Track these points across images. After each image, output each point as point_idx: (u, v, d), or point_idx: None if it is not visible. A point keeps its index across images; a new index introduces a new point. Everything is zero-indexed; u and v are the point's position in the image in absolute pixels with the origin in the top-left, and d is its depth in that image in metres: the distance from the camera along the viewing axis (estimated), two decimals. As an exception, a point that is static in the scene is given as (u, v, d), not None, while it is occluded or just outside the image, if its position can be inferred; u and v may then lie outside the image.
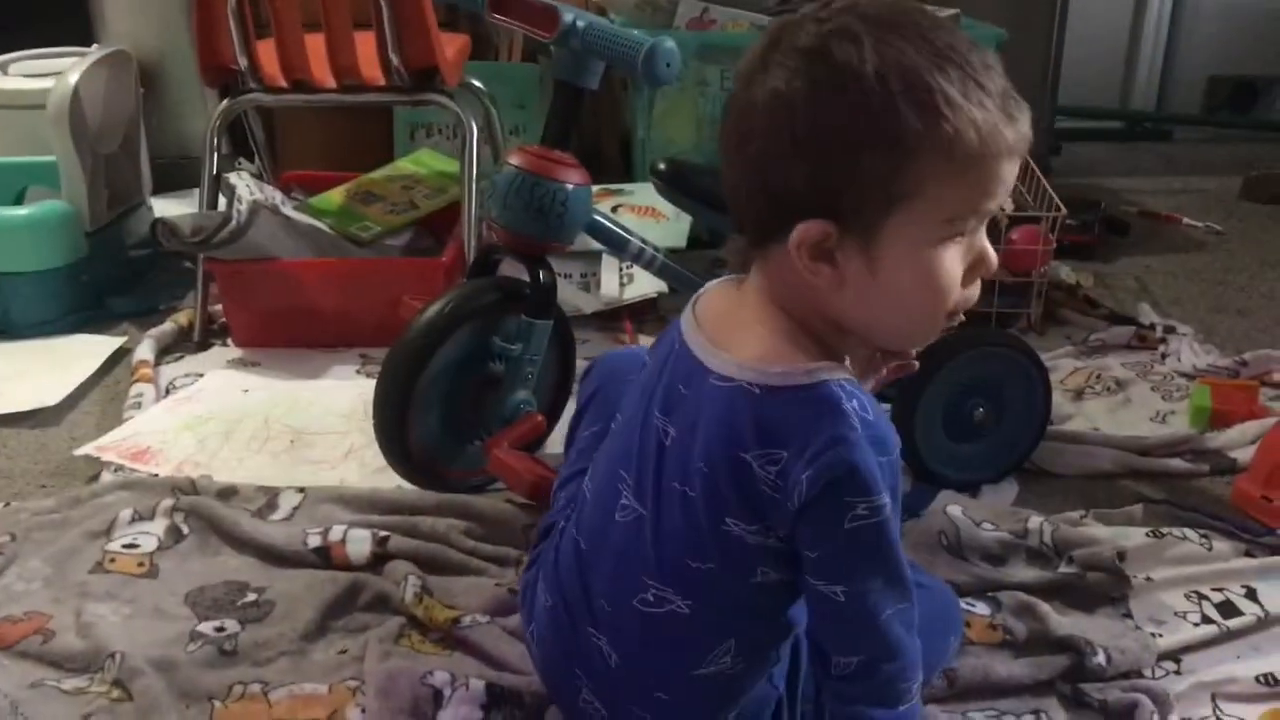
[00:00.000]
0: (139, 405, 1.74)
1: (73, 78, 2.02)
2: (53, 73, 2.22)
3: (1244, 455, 1.60)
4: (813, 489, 0.82)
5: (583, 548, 1.01)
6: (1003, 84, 0.81)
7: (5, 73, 2.53)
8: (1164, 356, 1.95)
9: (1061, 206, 1.99)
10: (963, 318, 0.90)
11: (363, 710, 1.10)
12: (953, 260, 0.83)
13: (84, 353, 1.94)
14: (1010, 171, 0.82)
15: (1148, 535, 1.38)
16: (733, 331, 0.90)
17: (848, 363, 0.91)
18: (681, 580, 0.92)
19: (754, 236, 0.87)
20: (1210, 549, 1.37)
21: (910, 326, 0.88)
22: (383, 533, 1.35)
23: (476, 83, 2.27)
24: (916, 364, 1.07)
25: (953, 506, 1.40)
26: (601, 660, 0.98)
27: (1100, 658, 1.16)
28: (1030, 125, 0.82)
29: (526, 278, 1.44)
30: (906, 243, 0.81)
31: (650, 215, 2.21)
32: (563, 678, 1.04)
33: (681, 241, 2.13)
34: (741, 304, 0.91)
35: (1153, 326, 2.03)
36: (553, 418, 1.54)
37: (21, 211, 2.06)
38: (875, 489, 0.83)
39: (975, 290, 0.87)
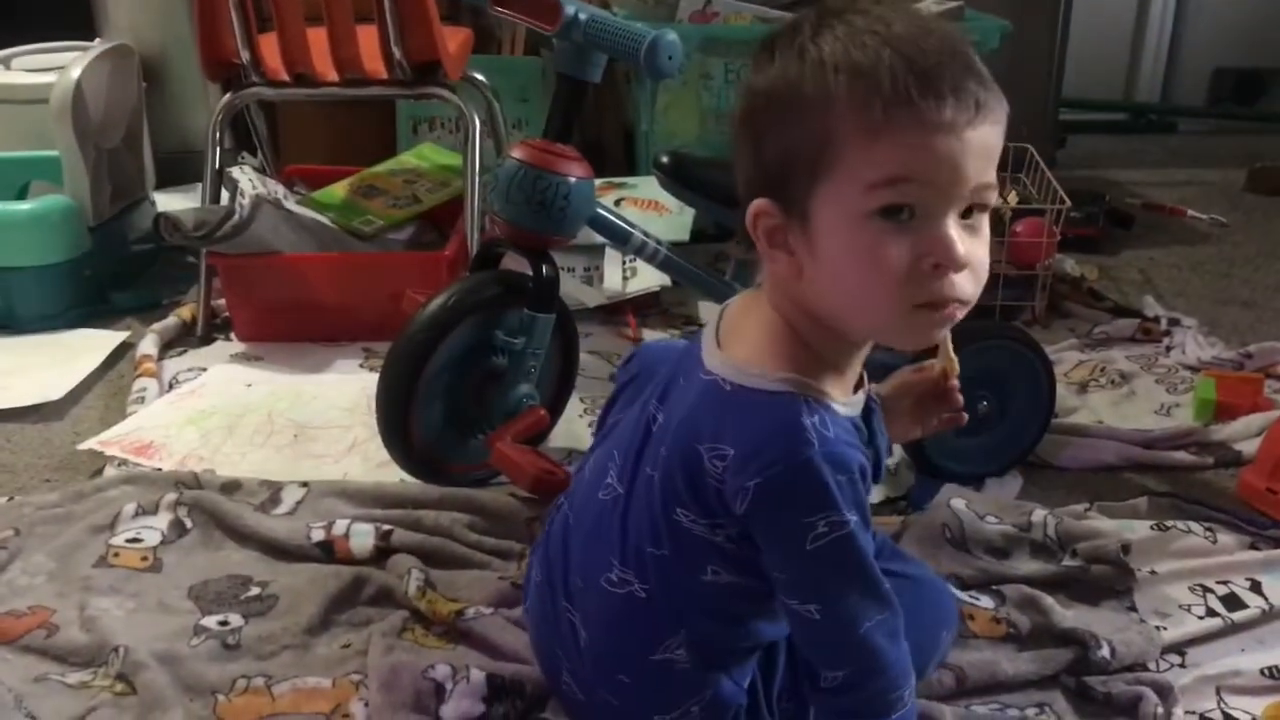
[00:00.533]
0: (142, 400, 1.74)
1: (75, 72, 2.02)
2: (55, 67, 2.22)
3: (1249, 448, 1.59)
4: (761, 498, 0.82)
5: (570, 522, 1.04)
6: (941, 61, 0.78)
7: (8, 67, 2.52)
8: (1168, 349, 1.95)
9: (1066, 199, 1.98)
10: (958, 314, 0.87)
11: (366, 704, 1.10)
12: (889, 245, 0.79)
13: (87, 347, 1.94)
14: (938, 145, 0.77)
15: (1152, 528, 1.38)
16: (737, 334, 0.92)
17: (844, 377, 0.90)
18: (640, 564, 0.94)
19: (744, 236, 0.88)
20: (1215, 542, 1.37)
21: (865, 313, 0.84)
22: (386, 527, 1.35)
23: (479, 76, 2.26)
24: (965, 417, 1.09)
25: (956, 500, 1.40)
26: (574, 637, 1.01)
27: (1105, 651, 1.15)
28: (976, 110, 0.78)
29: (529, 271, 1.43)
30: (835, 219, 0.80)
31: (653, 209, 2.21)
32: (548, 657, 1.06)
33: (685, 235, 2.13)
34: (751, 309, 0.92)
35: (1157, 319, 2.03)
36: (555, 411, 1.54)
37: (24, 206, 2.06)
38: (831, 505, 0.82)
39: (948, 284, 0.82)
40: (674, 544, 0.91)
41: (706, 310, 2.04)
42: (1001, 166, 2.35)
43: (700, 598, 0.93)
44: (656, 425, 0.94)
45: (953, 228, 0.80)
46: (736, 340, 0.91)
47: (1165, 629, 1.22)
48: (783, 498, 0.82)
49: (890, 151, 0.77)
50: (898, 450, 1.56)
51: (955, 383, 1.11)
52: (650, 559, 0.93)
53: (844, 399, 0.89)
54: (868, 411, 0.98)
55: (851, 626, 0.86)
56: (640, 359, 1.22)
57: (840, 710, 0.91)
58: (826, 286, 0.84)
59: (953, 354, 1.08)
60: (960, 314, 0.85)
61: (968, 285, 0.83)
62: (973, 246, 0.82)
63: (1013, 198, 2.09)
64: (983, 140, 0.80)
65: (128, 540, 1.35)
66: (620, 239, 1.54)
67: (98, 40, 2.45)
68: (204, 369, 1.88)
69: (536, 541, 1.14)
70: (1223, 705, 1.13)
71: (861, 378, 0.94)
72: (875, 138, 0.77)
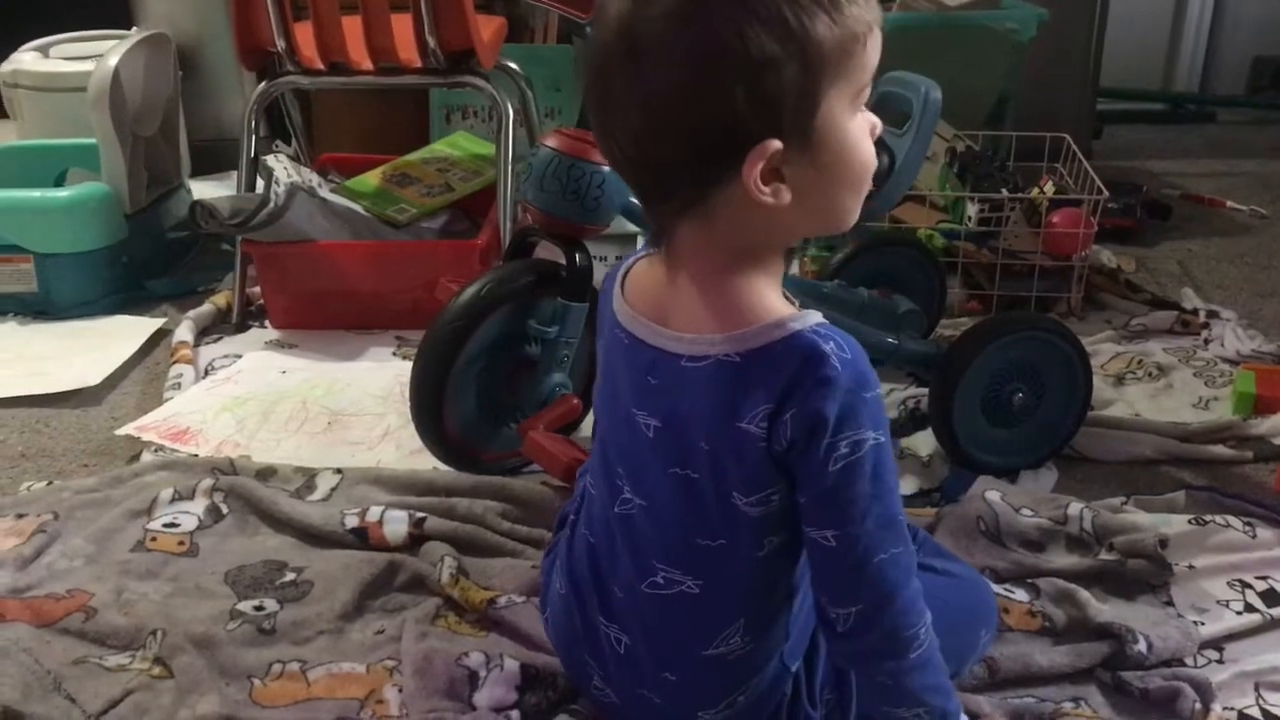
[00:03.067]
0: (178, 386, 1.76)
1: (112, 61, 2.03)
2: (93, 55, 2.24)
3: (1288, 442, 1.57)
4: (797, 431, 0.84)
5: (591, 542, 1.02)
6: None
7: (46, 56, 2.55)
8: (1207, 342, 1.92)
9: (1103, 189, 1.96)
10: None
11: (399, 690, 1.11)
12: (863, 128, 0.88)
13: (124, 334, 1.96)
14: (877, 39, 0.86)
15: (1190, 522, 1.36)
16: (679, 309, 0.90)
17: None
18: (690, 560, 0.93)
19: (692, 191, 0.85)
20: (1254, 537, 1.35)
21: (852, 201, 0.89)
22: (419, 514, 1.35)
23: (512, 65, 2.27)
24: None
25: (991, 492, 1.39)
26: (610, 648, 1.00)
27: (1141, 645, 1.14)
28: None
29: (562, 260, 1.43)
30: (835, 125, 0.85)
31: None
32: (577, 665, 1.06)
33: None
34: (675, 278, 0.91)
35: (1195, 311, 2.00)
36: (588, 400, 1.54)
37: (62, 194, 2.08)
38: (857, 424, 0.84)
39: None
40: (731, 529, 0.91)
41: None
42: (1038, 156, 2.34)
43: (755, 574, 0.93)
44: (653, 430, 0.92)
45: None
46: (689, 315, 0.89)
47: (1203, 624, 1.21)
48: (815, 425, 0.84)
49: (864, 59, 0.85)
50: (932, 442, 1.55)
51: None
52: (702, 552, 0.92)
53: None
54: None
55: (865, 555, 0.86)
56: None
57: (859, 654, 0.90)
58: (826, 195, 0.87)
59: None
60: None
61: None
62: None
63: (1049, 188, 2.07)
64: None
65: (165, 525, 1.36)
66: (654, 228, 1.53)
67: (135, 29, 2.47)
68: (239, 356, 1.89)
69: (550, 549, 1.13)
70: (1261, 701, 1.12)
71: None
72: (854, 47, 0.84)
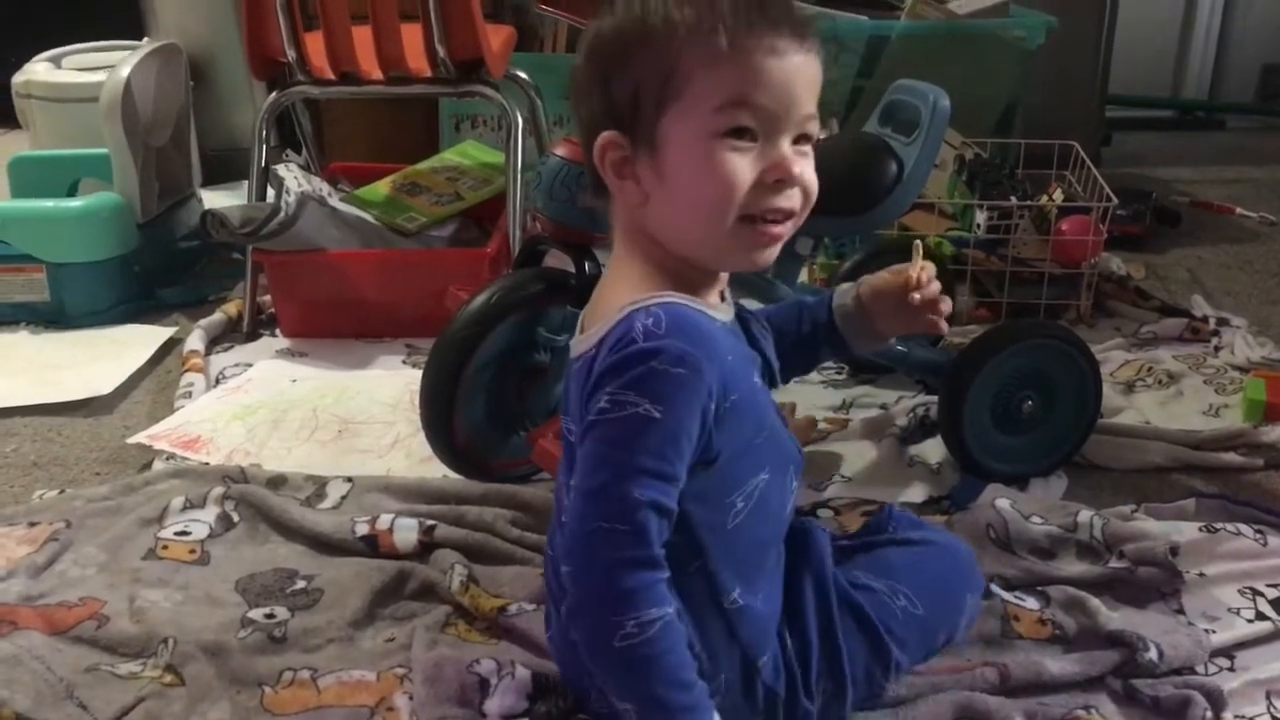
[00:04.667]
0: (190, 395, 1.76)
1: (124, 71, 2.05)
2: (105, 66, 2.26)
3: (1300, 449, 1.57)
4: (589, 389, 0.87)
5: (550, 555, 1.05)
6: None
7: (59, 66, 2.57)
8: (1217, 349, 1.92)
9: (1112, 196, 1.96)
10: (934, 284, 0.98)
11: (410, 698, 1.11)
12: (736, 161, 0.86)
13: (136, 342, 1.97)
14: (774, 61, 0.85)
15: (1200, 530, 1.36)
16: (592, 313, 0.96)
17: (703, 294, 0.94)
18: None
19: (592, 182, 0.94)
20: (1265, 544, 1.35)
21: (700, 227, 0.89)
22: (430, 521, 1.36)
23: (521, 74, 2.27)
24: (944, 325, 1.08)
25: (1001, 500, 1.39)
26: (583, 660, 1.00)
27: (1152, 653, 1.14)
28: (804, 40, 0.87)
29: (572, 268, 1.44)
30: (684, 139, 0.86)
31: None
32: (576, 680, 1.06)
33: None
34: (606, 279, 0.97)
35: (1205, 318, 2.00)
36: (598, 408, 1.55)
37: (75, 203, 2.09)
38: (625, 385, 0.85)
39: (783, 198, 0.89)
40: None
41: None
42: (1047, 163, 2.34)
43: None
44: (574, 435, 0.94)
45: (789, 149, 0.88)
46: (594, 313, 0.95)
47: (1214, 632, 1.21)
48: (596, 378, 0.86)
49: (734, 75, 0.85)
50: (941, 449, 1.55)
51: (933, 286, 1.06)
52: None
53: (688, 299, 0.91)
54: (741, 320, 1.02)
55: (578, 517, 0.87)
56: None
57: (568, 612, 0.90)
58: (670, 207, 0.89)
59: (923, 260, 1.07)
60: (786, 232, 0.91)
61: (798, 199, 0.90)
62: (805, 167, 0.90)
63: (1058, 195, 2.07)
64: (810, 69, 0.88)
65: (176, 533, 1.37)
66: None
67: (146, 40, 2.49)
68: (250, 364, 1.90)
69: (544, 571, 1.14)
70: (1272, 710, 1.11)
71: (723, 294, 0.98)
72: (719, 63, 0.85)
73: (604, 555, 0.86)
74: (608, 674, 0.89)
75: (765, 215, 0.89)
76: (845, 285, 1.13)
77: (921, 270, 1.05)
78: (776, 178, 0.88)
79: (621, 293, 0.92)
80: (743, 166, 0.87)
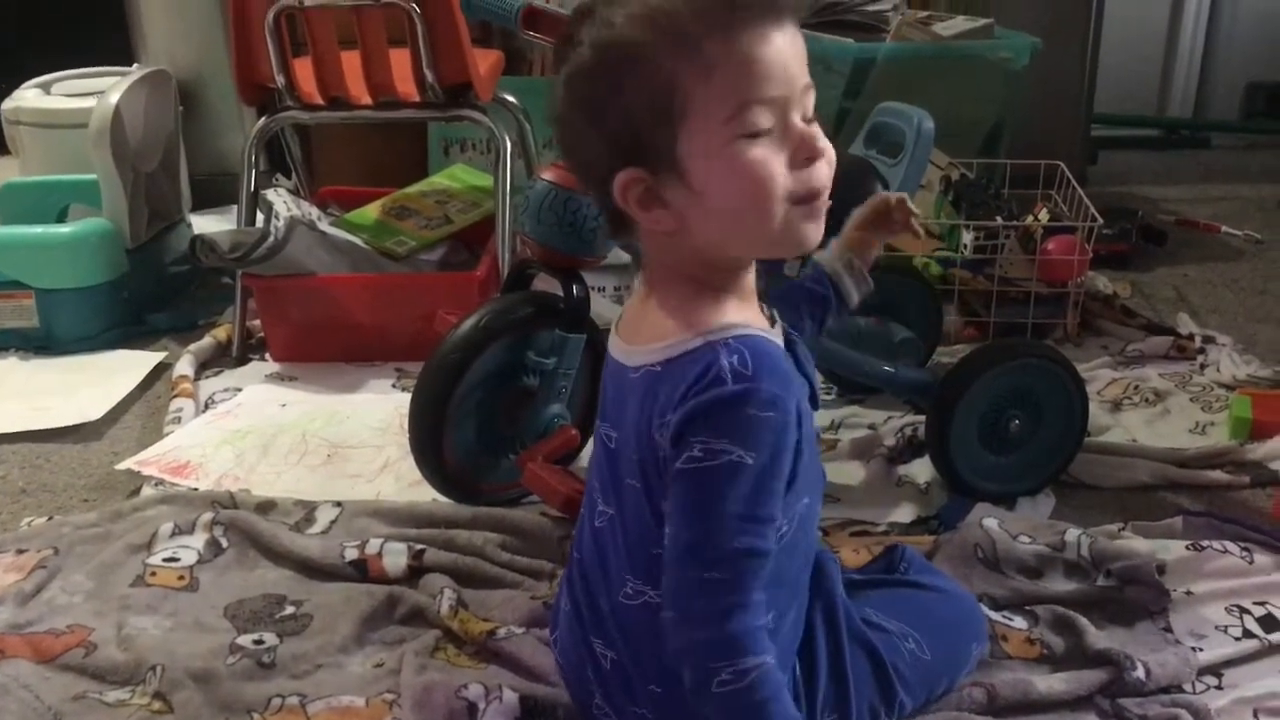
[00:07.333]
0: (179, 420, 1.76)
1: (114, 97, 2.05)
2: (94, 92, 2.26)
3: (1286, 466, 1.58)
4: (674, 432, 0.86)
5: (578, 557, 1.05)
6: None
7: (48, 92, 2.57)
8: (1203, 367, 1.93)
9: (1098, 216, 1.98)
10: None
11: (399, 723, 1.11)
12: (765, 156, 0.85)
13: (125, 368, 1.97)
14: (761, 50, 0.83)
15: (1187, 548, 1.36)
16: (641, 327, 0.95)
17: (748, 302, 0.94)
18: (649, 570, 0.94)
19: (610, 220, 0.92)
20: (1251, 562, 1.35)
21: (756, 226, 0.88)
22: (419, 546, 1.36)
23: (509, 97, 2.29)
24: (919, 230, 1.17)
25: (989, 519, 1.39)
26: (602, 663, 1.01)
27: (1140, 672, 1.14)
28: (781, 13, 0.85)
29: (560, 292, 1.44)
30: (707, 155, 0.85)
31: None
32: (578, 685, 1.06)
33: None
34: (644, 300, 0.96)
35: (1191, 336, 2.01)
36: (586, 431, 1.55)
37: (64, 229, 2.10)
38: (720, 434, 0.84)
39: (818, 173, 0.88)
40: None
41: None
42: (1033, 183, 2.34)
43: None
44: (614, 441, 0.96)
45: (804, 125, 0.87)
46: (644, 328, 0.94)
47: (1201, 650, 1.21)
48: (685, 424, 0.85)
49: (730, 82, 0.83)
50: (929, 469, 1.55)
51: (910, 210, 1.21)
52: (654, 561, 0.92)
53: (762, 328, 0.92)
54: (790, 344, 1.00)
55: (678, 565, 0.87)
56: None
57: (673, 653, 0.89)
58: (715, 220, 0.87)
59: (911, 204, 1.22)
60: (827, 202, 0.90)
61: (826, 171, 0.89)
62: (822, 137, 0.89)
63: (1044, 215, 2.08)
64: (796, 42, 0.87)
65: (165, 559, 1.37)
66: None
67: (135, 65, 2.50)
68: (239, 389, 1.90)
69: (565, 571, 1.14)
70: (1260, 728, 1.12)
71: (773, 315, 0.98)
72: (711, 74, 0.83)
73: (702, 604, 0.86)
74: (710, 716, 0.89)
75: (811, 194, 0.88)
76: (821, 254, 1.20)
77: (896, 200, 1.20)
78: (805, 156, 0.87)
79: (679, 312, 0.91)
80: (773, 158, 0.85)
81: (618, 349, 0.97)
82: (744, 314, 0.92)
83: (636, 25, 0.83)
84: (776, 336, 0.94)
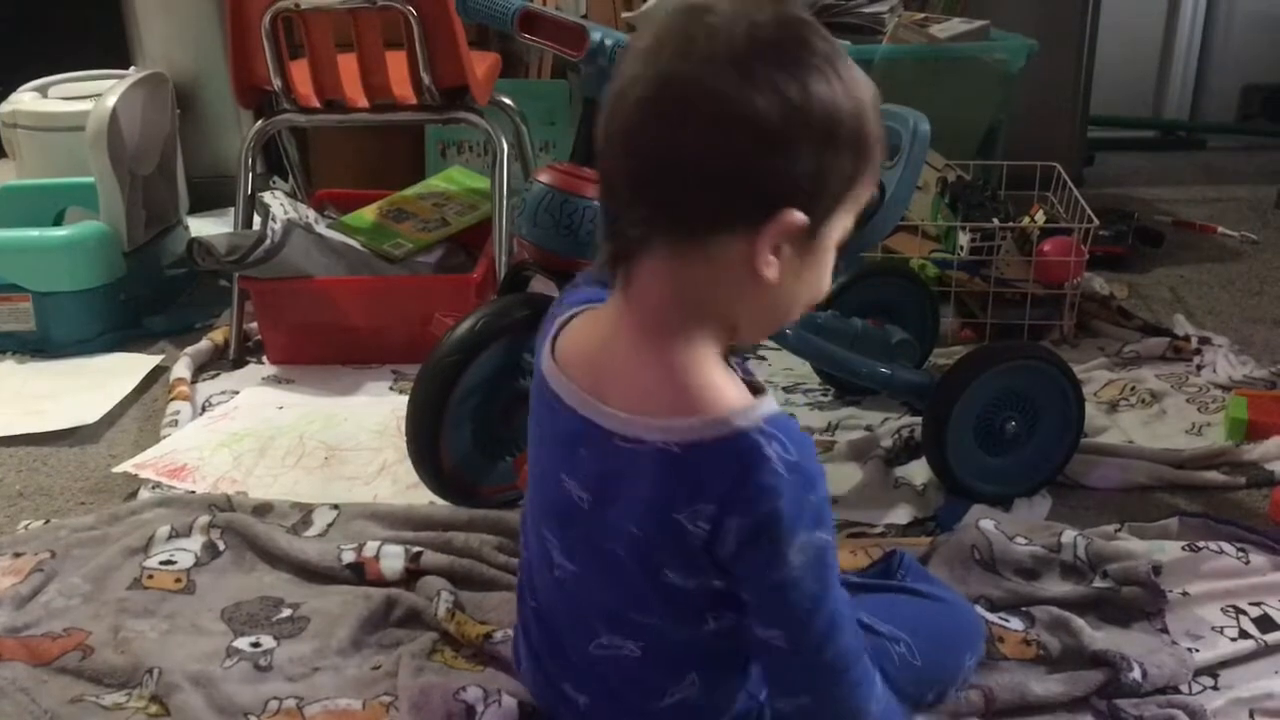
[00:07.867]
0: (176, 423, 1.76)
1: (111, 100, 2.05)
2: (91, 95, 2.26)
3: (1282, 467, 1.58)
4: (741, 536, 0.82)
5: (533, 604, 1.03)
6: None
7: (45, 95, 2.57)
8: (1199, 368, 1.93)
9: (1094, 217, 1.98)
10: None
11: (396, 726, 1.11)
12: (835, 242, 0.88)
13: (122, 371, 1.97)
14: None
15: (1184, 549, 1.37)
16: (617, 377, 0.86)
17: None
18: (628, 629, 0.93)
19: (691, 225, 0.81)
20: (1247, 563, 1.36)
21: (789, 317, 0.90)
22: (416, 548, 1.36)
23: (506, 100, 2.29)
24: None
25: (985, 521, 1.39)
26: (577, 703, 1.00)
27: (1136, 673, 1.15)
28: None
29: (557, 294, 1.44)
30: (830, 241, 0.86)
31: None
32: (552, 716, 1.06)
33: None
34: (614, 340, 0.87)
35: (1188, 338, 2.01)
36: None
37: (61, 232, 2.10)
38: (802, 529, 0.82)
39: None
40: (667, 606, 0.89)
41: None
42: (1029, 185, 2.35)
43: (704, 643, 0.92)
44: (585, 503, 0.89)
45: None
46: (625, 387, 0.86)
47: (1197, 651, 1.21)
48: (759, 530, 0.82)
49: (864, 191, 0.86)
50: (926, 470, 1.56)
51: None
52: (636, 624, 0.92)
53: (767, 398, 0.86)
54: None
55: (813, 653, 0.87)
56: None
57: None
58: (783, 297, 0.86)
59: None
60: None
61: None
62: None
63: (1040, 216, 2.09)
64: None
65: (162, 562, 1.37)
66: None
67: (133, 68, 2.50)
68: (236, 392, 1.90)
69: (519, 612, 1.10)
70: (1256, 728, 1.12)
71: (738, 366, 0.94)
72: (870, 174, 0.85)
73: (840, 668, 0.88)
74: None
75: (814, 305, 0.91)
76: None
77: None
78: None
79: (674, 375, 0.84)
80: None
81: (577, 397, 0.88)
82: (735, 382, 0.86)
83: (865, 91, 0.82)
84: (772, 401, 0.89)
